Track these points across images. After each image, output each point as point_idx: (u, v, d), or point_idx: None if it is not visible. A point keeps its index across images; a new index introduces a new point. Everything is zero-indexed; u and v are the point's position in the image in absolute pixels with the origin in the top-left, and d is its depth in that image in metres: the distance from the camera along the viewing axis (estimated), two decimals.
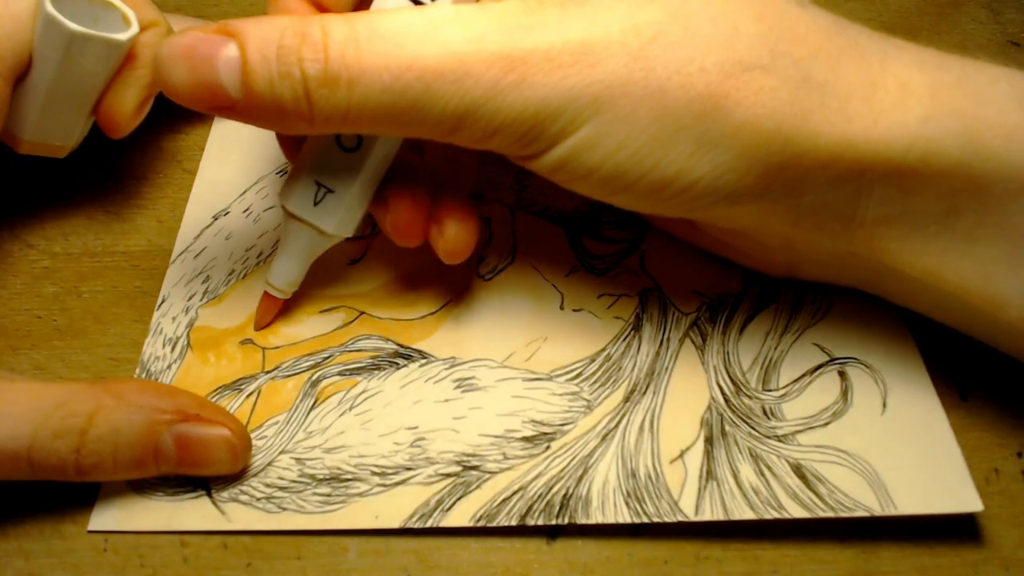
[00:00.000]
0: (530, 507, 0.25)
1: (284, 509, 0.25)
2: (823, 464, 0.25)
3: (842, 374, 0.27)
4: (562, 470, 0.25)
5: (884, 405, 0.26)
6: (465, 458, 0.26)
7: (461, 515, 0.24)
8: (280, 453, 0.26)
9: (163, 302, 0.30)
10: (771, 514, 0.24)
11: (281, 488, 0.25)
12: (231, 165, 0.34)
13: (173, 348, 0.29)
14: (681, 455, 0.25)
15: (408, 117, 0.22)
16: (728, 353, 0.28)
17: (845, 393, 0.26)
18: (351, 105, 0.21)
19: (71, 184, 0.33)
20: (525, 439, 0.26)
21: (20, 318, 0.30)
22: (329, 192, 0.26)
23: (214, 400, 0.27)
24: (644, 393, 0.27)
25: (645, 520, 0.24)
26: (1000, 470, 0.26)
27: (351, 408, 0.27)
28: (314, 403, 0.27)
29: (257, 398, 0.27)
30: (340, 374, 0.28)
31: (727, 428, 0.26)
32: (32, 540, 0.25)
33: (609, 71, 0.21)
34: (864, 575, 0.24)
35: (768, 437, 0.26)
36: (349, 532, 0.25)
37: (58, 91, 0.27)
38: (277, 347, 0.29)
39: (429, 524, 0.24)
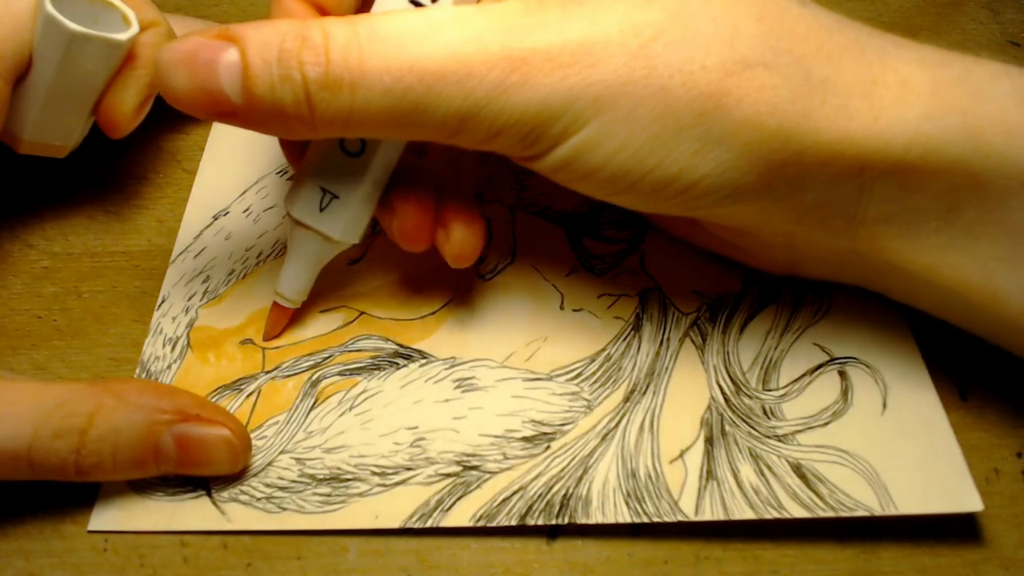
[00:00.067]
0: (530, 507, 0.25)
1: (284, 509, 0.25)
2: (823, 464, 0.25)
3: (842, 374, 0.27)
4: (562, 470, 0.25)
5: (884, 405, 0.26)
6: (465, 458, 0.26)
7: (461, 515, 0.24)
8: (280, 453, 0.26)
9: (163, 302, 0.30)
10: (771, 514, 0.24)
11: (281, 488, 0.25)
12: (231, 165, 0.34)
13: (173, 348, 0.29)
14: (681, 455, 0.25)
15: (410, 119, 0.22)
16: (728, 353, 0.28)
17: (845, 393, 0.26)
18: (353, 108, 0.21)
19: (71, 184, 0.33)
20: (525, 439, 0.26)
21: (20, 318, 0.30)
22: (335, 198, 0.25)
23: (214, 400, 0.27)
24: (644, 393, 0.27)
25: (645, 520, 0.24)
26: (1000, 470, 0.26)
27: (351, 408, 0.27)
28: (314, 403, 0.27)
29: (257, 398, 0.27)
30: (340, 374, 0.28)
31: (727, 428, 0.26)
32: (32, 540, 0.25)
33: (609, 71, 0.21)
34: (864, 575, 0.24)
35: (768, 437, 0.26)
36: (349, 532, 0.25)
37: (58, 91, 0.27)
38: (277, 347, 0.29)
39: (429, 524, 0.24)
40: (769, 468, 0.25)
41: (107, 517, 0.25)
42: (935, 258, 0.23)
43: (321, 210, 0.26)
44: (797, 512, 0.24)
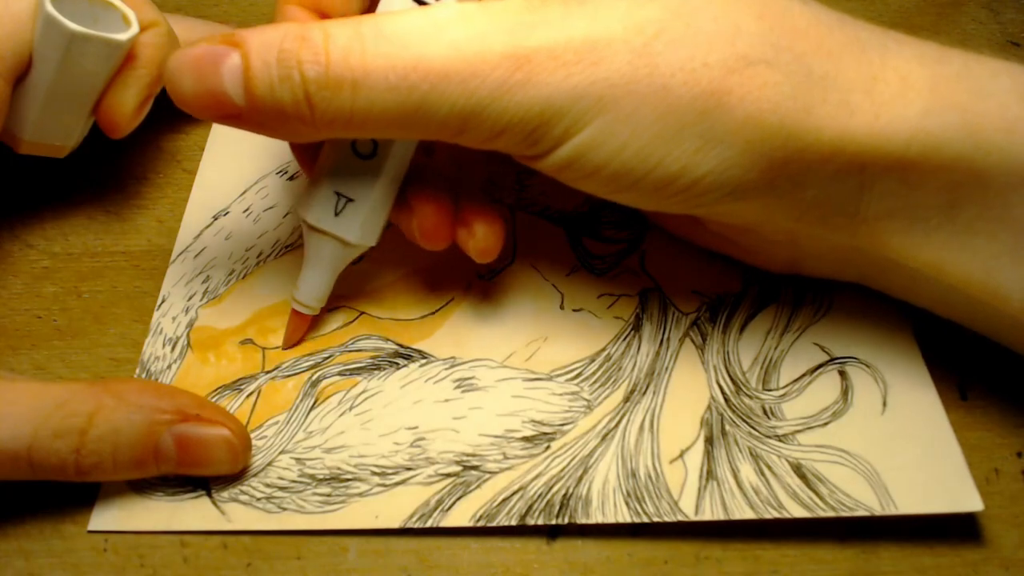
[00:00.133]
0: (530, 507, 0.25)
1: (284, 509, 0.25)
2: (823, 464, 0.25)
3: (842, 373, 0.27)
4: (562, 470, 0.25)
5: (884, 404, 0.26)
6: (465, 458, 0.26)
7: (461, 515, 0.24)
8: (280, 453, 0.26)
9: (163, 302, 0.30)
10: (771, 514, 0.24)
11: (281, 488, 0.25)
12: (231, 165, 0.34)
13: (173, 348, 0.29)
14: (681, 455, 0.25)
15: (414, 118, 0.22)
16: (728, 353, 0.28)
17: (845, 392, 0.26)
18: (355, 107, 0.21)
19: (71, 184, 0.33)
20: (525, 439, 0.26)
21: (20, 318, 0.30)
22: (349, 201, 0.25)
23: (214, 400, 0.27)
24: (644, 393, 0.27)
25: (645, 520, 0.24)
26: (1000, 470, 0.26)
27: (351, 408, 0.27)
28: (314, 403, 0.27)
29: (257, 398, 0.27)
30: (340, 374, 0.28)
31: (727, 428, 0.26)
32: (32, 540, 0.25)
33: (613, 69, 0.21)
34: (864, 575, 0.24)
35: (768, 437, 0.26)
36: (349, 532, 0.25)
37: (58, 91, 0.27)
38: (277, 347, 0.29)
39: (429, 524, 0.24)
40: (769, 468, 0.25)
41: (107, 517, 0.25)
42: (936, 254, 0.23)
43: (336, 214, 0.26)
44: (797, 512, 0.24)
